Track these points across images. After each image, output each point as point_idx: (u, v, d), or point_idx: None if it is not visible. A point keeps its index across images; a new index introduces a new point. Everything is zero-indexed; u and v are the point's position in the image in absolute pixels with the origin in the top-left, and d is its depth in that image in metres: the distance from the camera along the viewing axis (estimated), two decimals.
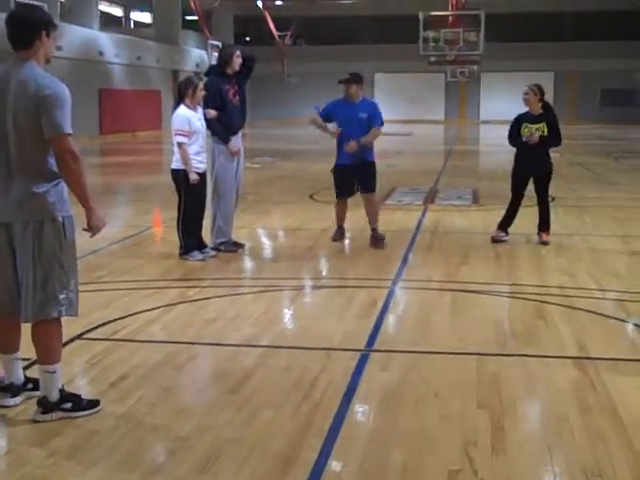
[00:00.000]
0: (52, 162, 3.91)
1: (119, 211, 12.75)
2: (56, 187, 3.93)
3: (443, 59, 38.48)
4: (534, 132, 8.41)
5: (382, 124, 8.74)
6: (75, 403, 4.06)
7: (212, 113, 7.93)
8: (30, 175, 3.88)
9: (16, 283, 3.99)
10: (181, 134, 7.60)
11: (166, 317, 5.97)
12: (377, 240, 8.72)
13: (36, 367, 4.16)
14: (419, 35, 35.58)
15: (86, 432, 3.89)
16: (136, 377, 4.66)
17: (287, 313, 6.32)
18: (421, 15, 35.34)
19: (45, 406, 4.01)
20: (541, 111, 8.54)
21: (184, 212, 7.81)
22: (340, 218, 9.07)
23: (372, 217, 8.89)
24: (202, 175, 7.84)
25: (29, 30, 3.91)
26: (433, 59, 38.35)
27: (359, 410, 4.27)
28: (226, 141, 8.05)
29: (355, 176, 8.71)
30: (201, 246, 8.00)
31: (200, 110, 7.84)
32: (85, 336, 5.42)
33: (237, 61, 8.10)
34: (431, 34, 36.02)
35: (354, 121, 8.52)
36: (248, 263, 8.17)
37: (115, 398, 4.32)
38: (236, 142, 8.14)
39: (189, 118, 7.63)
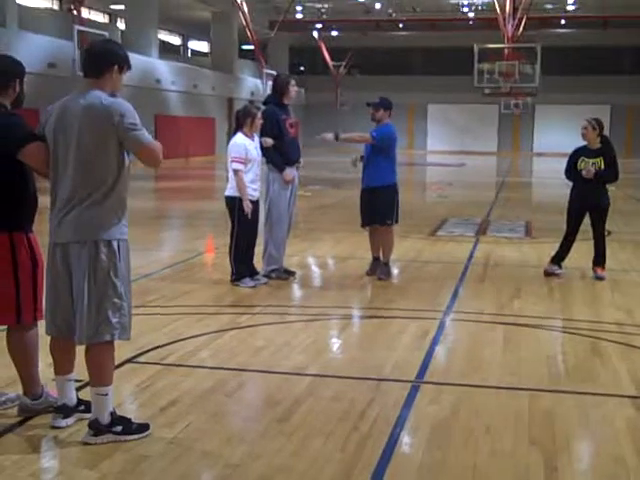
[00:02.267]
0: (111, 184, 3.97)
1: (172, 235, 12.89)
2: (114, 210, 4.00)
3: (497, 91, 38.31)
4: (590, 167, 8.31)
5: (375, 138, 8.39)
6: (125, 427, 4.09)
7: (269, 142, 8.00)
8: (89, 197, 3.95)
9: (72, 305, 4.04)
10: (238, 161, 7.67)
11: (216, 343, 5.99)
12: (383, 272, 8.54)
13: (88, 389, 4.19)
14: (473, 66, 35.51)
15: (135, 456, 3.90)
16: (186, 403, 4.67)
17: (336, 342, 6.29)
18: (476, 47, 35.29)
19: (96, 428, 4.04)
20: (599, 145, 8.43)
21: (236, 239, 7.87)
22: (372, 247, 8.84)
23: (383, 247, 8.68)
24: (255, 203, 7.89)
25: (102, 63, 4.06)
26: (487, 91, 38.20)
27: (408, 443, 4.21)
28: (281, 169, 8.10)
29: (368, 202, 8.57)
30: (252, 273, 8.04)
31: (257, 139, 7.91)
32: (135, 360, 5.46)
33: (292, 90, 8.17)
34: (486, 66, 35.91)
35: (369, 145, 8.55)
36: (298, 291, 8.17)
37: (165, 423, 4.33)
38: (291, 171, 8.19)
39: (246, 146, 7.71)
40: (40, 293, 4.25)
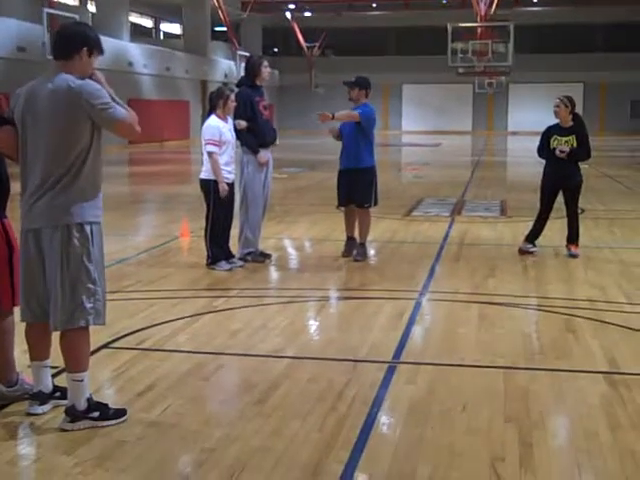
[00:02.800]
0: (82, 168, 3.94)
1: (147, 220, 12.84)
2: (85, 193, 3.96)
3: (471, 70, 38.41)
4: (563, 145, 8.36)
5: (363, 116, 8.31)
6: (102, 412, 4.08)
7: (242, 124, 7.96)
8: (59, 181, 3.92)
9: (46, 291, 4.02)
10: (212, 143, 7.64)
11: (192, 327, 5.99)
12: (359, 254, 8.52)
13: (64, 375, 4.18)
14: (447, 46, 35.53)
15: (113, 441, 3.90)
16: (163, 387, 4.67)
17: (313, 324, 6.31)
18: (449, 27, 35.31)
19: (73, 415, 4.03)
20: (571, 123, 8.48)
21: (212, 222, 7.85)
22: (347, 227, 8.79)
23: (360, 228, 8.64)
24: (231, 186, 7.87)
25: (71, 44, 4.00)
26: (461, 70, 38.30)
27: (386, 422, 4.24)
28: (255, 152, 8.08)
29: (349, 183, 8.50)
30: (228, 256, 8.02)
31: (230, 121, 7.88)
32: (112, 345, 5.44)
33: (265, 71, 8.11)
34: (459, 45, 35.95)
35: (348, 125, 8.45)
36: (275, 273, 8.17)
37: (142, 408, 4.33)
38: (265, 153, 8.16)
39: (219, 128, 7.68)
40: (17, 279, 4.21)
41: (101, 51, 4.12)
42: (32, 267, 4.04)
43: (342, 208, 8.79)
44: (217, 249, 7.93)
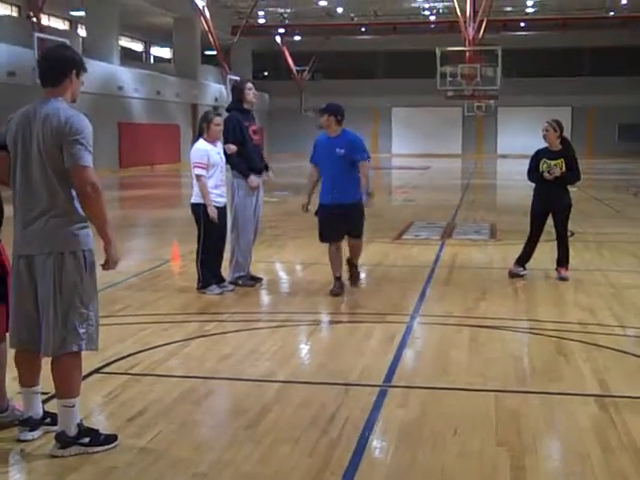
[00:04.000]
0: (74, 196, 3.95)
1: (138, 244, 12.82)
2: (78, 220, 3.96)
3: (460, 94, 38.66)
4: (554, 168, 8.41)
5: (368, 157, 7.94)
6: (93, 438, 4.06)
7: (232, 148, 7.98)
8: (52, 208, 3.92)
9: (37, 317, 4.01)
10: (199, 166, 7.65)
11: (183, 352, 5.97)
12: (356, 278, 8.33)
13: (55, 401, 4.16)
14: (436, 70, 35.79)
15: (104, 468, 3.88)
16: (154, 412, 4.65)
17: (304, 348, 6.30)
18: (438, 51, 35.57)
19: (63, 441, 4.00)
20: (560, 147, 8.55)
21: (203, 246, 7.84)
22: (335, 266, 8.03)
23: (355, 255, 8.24)
24: (222, 209, 7.87)
25: (60, 69, 4.02)
26: (450, 94, 38.54)
27: (377, 447, 4.24)
28: (246, 176, 8.09)
29: (341, 218, 7.82)
30: (219, 280, 8.02)
31: (220, 145, 7.90)
32: (103, 370, 5.42)
33: (250, 94, 8.09)
34: (448, 69, 36.21)
35: (330, 157, 7.80)
36: (265, 297, 8.17)
37: (133, 433, 4.31)
38: (255, 177, 8.17)
39: (207, 151, 7.69)
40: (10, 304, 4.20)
41: (85, 69, 4.15)
42: (23, 293, 4.03)
43: (331, 244, 8.04)
44: (208, 273, 7.92)
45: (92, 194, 3.89)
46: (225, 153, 7.93)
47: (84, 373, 4.43)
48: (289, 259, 10.55)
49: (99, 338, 4.13)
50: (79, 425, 4.05)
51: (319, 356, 6.00)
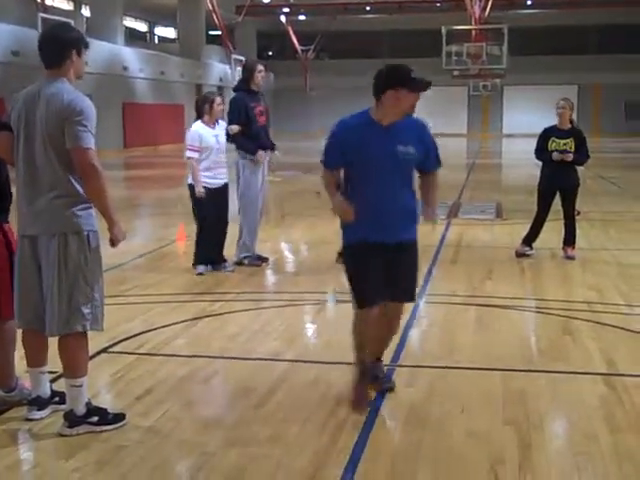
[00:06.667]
0: (77, 176, 3.93)
1: (143, 224, 12.82)
2: (81, 201, 3.95)
3: (466, 73, 38.45)
4: (567, 153, 8.32)
5: (440, 164, 4.81)
6: (101, 417, 4.07)
7: (234, 128, 7.93)
8: (55, 188, 3.91)
9: (41, 298, 4.01)
10: (191, 149, 7.69)
11: (190, 331, 5.98)
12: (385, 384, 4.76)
13: (62, 381, 4.17)
14: (441, 49, 35.57)
15: (112, 446, 3.89)
16: (161, 391, 4.66)
17: (311, 327, 6.31)
18: (444, 29, 35.34)
19: (71, 420, 4.02)
20: (570, 126, 8.49)
21: (198, 225, 7.89)
22: (372, 346, 4.76)
23: (392, 332, 4.84)
24: (217, 190, 7.82)
25: (60, 50, 3.98)
26: (456, 73, 38.33)
27: (385, 426, 4.24)
28: (253, 152, 8.01)
29: (388, 265, 4.49)
30: (220, 261, 8.02)
31: (220, 126, 7.87)
32: (110, 350, 5.43)
33: (259, 76, 8.03)
34: (454, 48, 36.00)
35: (382, 159, 4.40)
36: (271, 277, 8.16)
37: (141, 412, 4.32)
38: (262, 152, 8.10)
39: (201, 134, 7.70)
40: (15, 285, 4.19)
41: (87, 45, 4.09)
42: (27, 273, 4.03)
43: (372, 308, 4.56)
44: (201, 252, 7.93)
45: (92, 175, 3.88)
46: (228, 134, 7.90)
47: (91, 353, 4.44)
48: (296, 238, 10.54)
49: (104, 318, 4.13)
50: (87, 404, 4.07)
51: (326, 335, 6.00)
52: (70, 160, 3.89)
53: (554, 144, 8.44)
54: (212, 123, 7.78)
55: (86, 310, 3.98)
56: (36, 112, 3.91)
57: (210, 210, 7.80)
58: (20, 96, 4.05)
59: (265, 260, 8.44)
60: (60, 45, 3.99)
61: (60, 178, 3.91)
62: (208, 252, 7.96)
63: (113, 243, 4.05)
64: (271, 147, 8.28)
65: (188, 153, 7.71)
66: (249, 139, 8.02)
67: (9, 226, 4.31)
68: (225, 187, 7.97)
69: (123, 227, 4.11)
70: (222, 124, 7.90)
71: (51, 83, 3.95)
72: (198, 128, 7.74)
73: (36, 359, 4.21)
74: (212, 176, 7.81)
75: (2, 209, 4.28)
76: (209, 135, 7.73)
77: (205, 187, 7.69)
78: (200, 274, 7.82)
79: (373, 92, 4.59)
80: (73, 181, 3.93)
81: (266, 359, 5.30)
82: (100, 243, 4.09)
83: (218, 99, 7.78)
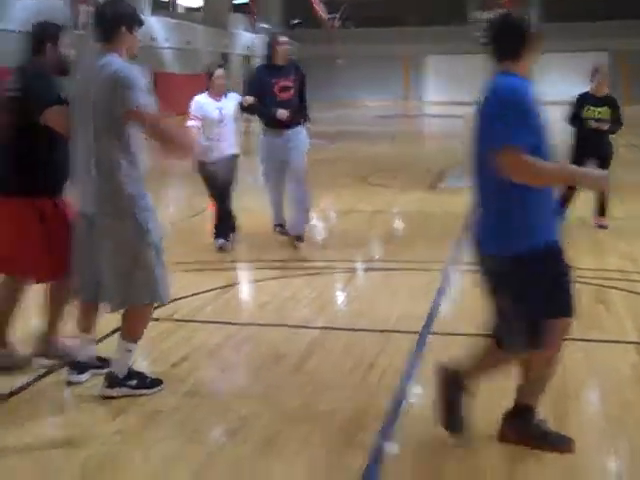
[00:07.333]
0: (129, 155, 3.93)
1: (173, 193, 12.90)
2: (134, 180, 3.96)
3: None
4: (602, 122, 8.23)
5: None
6: (140, 381, 4.15)
7: (248, 99, 7.63)
8: (108, 167, 3.92)
9: (97, 273, 4.03)
10: (190, 118, 7.57)
11: (223, 298, 6.04)
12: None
13: (101, 346, 4.24)
14: (470, 15, 35.17)
15: (150, 411, 3.96)
16: (196, 358, 4.72)
17: (341, 295, 6.34)
18: None
19: (112, 381, 4.09)
20: (606, 92, 8.37)
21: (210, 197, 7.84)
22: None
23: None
24: (219, 162, 7.58)
25: (108, 26, 4.01)
26: (485, 40, 37.87)
27: (418, 394, 4.27)
28: (272, 114, 7.60)
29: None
30: (234, 229, 7.88)
31: (230, 98, 7.65)
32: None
33: (280, 49, 7.70)
34: (483, 14, 35.57)
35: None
36: (302, 245, 8.16)
37: (177, 378, 4.38)
38: (283, 110, 7.60)
39: (202, 105, 7.53)
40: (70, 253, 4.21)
41: (140, 23, 4.14)
42: (83, 249, 4.08)
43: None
44: (218, 224, 7.74)
45: (152, 130, 3.93)
46: (242, 105, 7.68)
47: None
48: (324, 207, 10.53)
49: (166, 290, 4.13)
50: (130, 367, 4.15)
51: (357, 303, 6.03)
52: (122, 135, 3.88)
53: (589, 112, 8.34)
54: (217, 95, 7.57)
55: (143, 286, 3.99)
56: (88, 87, 3.94)
57: (210, 182, 7.69)
58: (77, 71, 4.10)
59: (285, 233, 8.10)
60: (108, 21, 4.02)
61: (113, 156, 3.91)
62: (223, 224, 7.76)
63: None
64: (304, 119, 8.05)
65: (188, 122, 7.56)
66: (262, 110, 7.74)
67: (65, 200, 4.38)
68: (230, 159, 7.70)
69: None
70: (233, 96, 7.70)
71: (102, 57, 3.97)
72: (200, 98, 7.61)
73: (87, 327, 4.30)
74: (212, 148, 7.57)
75: (59, 185, 4.34)
76: (211, 107, 7.53)
77: (203, 161, 7.53)
78: (220, 248, 7.62)
79: (509, 50, 3.68)
80: (125, 160, 3.93)
81: (298, 326, 5.34)
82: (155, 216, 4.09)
83: (217, 71, 7.59)
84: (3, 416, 3.93)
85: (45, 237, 4.26)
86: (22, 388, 4.24)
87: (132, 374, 4.14)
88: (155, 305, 4.22)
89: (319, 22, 49.57)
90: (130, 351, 4.12)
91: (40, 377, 4.39)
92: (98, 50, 4.03)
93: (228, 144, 7.66)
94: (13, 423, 3.83)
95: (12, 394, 4.16)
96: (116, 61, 3.95)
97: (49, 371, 4.44)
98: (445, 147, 19.74)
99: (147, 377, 4.21)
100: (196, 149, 7.08)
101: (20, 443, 3.65)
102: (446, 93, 51.63)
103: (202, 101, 7.56)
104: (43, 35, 4.35)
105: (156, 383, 4.20)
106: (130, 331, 4.11)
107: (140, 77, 3.93)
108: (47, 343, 4.56)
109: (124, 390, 4.09)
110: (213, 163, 7.61)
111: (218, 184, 7.71)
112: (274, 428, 3.78)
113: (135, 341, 4.12)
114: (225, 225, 7.78)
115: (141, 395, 4.11)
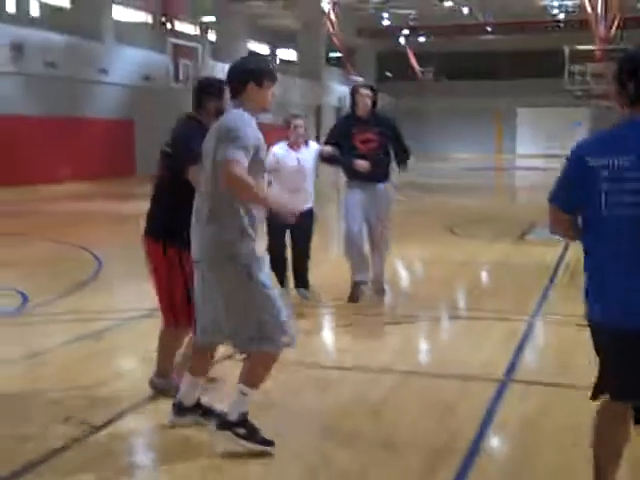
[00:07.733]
0: (233, 202, 3.94)
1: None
2: (235, 227, 3.94)
3: (589, 93, 37.59)
4: None
5: None
6: (249, 433, 4.02)
7: (326, 149, 7.50)
8: (212, 215, 3.97)
9: (217, 318, 4.07)
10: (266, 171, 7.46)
11: (304, 341, 6.17)
12: None
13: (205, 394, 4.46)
14: (561, 70, 34.98)
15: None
16: (281, 397, 4.86)
17: (424, 342, 6.42)
18: (567, 49, 34.74)
19: (222, 422, 4.07)
20: None
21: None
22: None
23: None
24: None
25: (235, 82, 4.07)
26: (579, 93, 37.55)
27: (496, 439, 4.31)
28: (350, 164, 7.38)
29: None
30: (298, 285, 7.52)
31: (310, 148, 7.40)
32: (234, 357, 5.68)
33: (361, 100, 7.46)
34: (577, 68, 35.32)
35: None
36: (387, 294, 8.27)
37: (259, 418, 4.53)
38: (363, 161, 7.30)
39: (277, 154, 7.25)
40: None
41: (272, 78, 4.13)
42: (200, 294, 4.14)
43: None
44: (276, 272, 6.79)
45: (235, 186, 3.83)
46: (322, 155, 7.44)
47: (217, 358, 4.68)
48: (410, 256, 10.63)
49: (286, 334, 4.02)
50: (244, 414, 4.03)
51: (439, 350, 6.11)
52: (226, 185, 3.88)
53: None
54: (296, 145, 7.31)
55: (257, 334, 3.93)
56: (210, 138, 4.05)
57: (273, 232, 7.21)
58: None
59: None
60: (236, 77, 4.07)
61: (218, 204, 3.94)
62: (277, 273, 6.99)
63: (283, 217, 4.08)
64: (380, 177, 7.60)
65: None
66: (342, 159, 7.52)
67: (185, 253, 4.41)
68: (306, 214, 6.89)
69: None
70: (313, 146, 7.45)
71: (228, 112, 4.11)
72: (276, 148, 7.31)
73: (197, 369, 4.33)
74: (290, 199, 6.78)
75: (183, 235, 4.31)
76: (288, 156, 7.28)
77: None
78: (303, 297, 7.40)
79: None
80: (229, 207, 3.92)
81: (379, 371, 5.45)
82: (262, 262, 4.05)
83: (295, 121, 7.36)
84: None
85: (186, 284, 4.49)
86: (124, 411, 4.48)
87: (244, 423, 4.02)
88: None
89: (412, 75, 50.12)
90: (245, 395, 4.01)
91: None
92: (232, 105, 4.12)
93: (305, 197, 7.23)
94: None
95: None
96: (232, 112, 4.04)
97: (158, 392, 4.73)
98: (534, 199, 19.60)
99: (259, 434, 4.04)
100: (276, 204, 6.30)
101: None
102: (536, 146, 51.17)
103: (278, 151, 7.26)
104: (207, 90, 4.63)
105: (268, 443, 4.04)
106: (250, 374, 4.03)
107: (246, 127, 3.92)
108: (169, 380, 4.75)
109: (228, 435, 4.01)
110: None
111: (277, 233, 7.28)
112: (358, 467, 3.89)
113: (250, 386, 4.02)
114: (278, 274, 7.08)
115: (242, 446, 4.01)
